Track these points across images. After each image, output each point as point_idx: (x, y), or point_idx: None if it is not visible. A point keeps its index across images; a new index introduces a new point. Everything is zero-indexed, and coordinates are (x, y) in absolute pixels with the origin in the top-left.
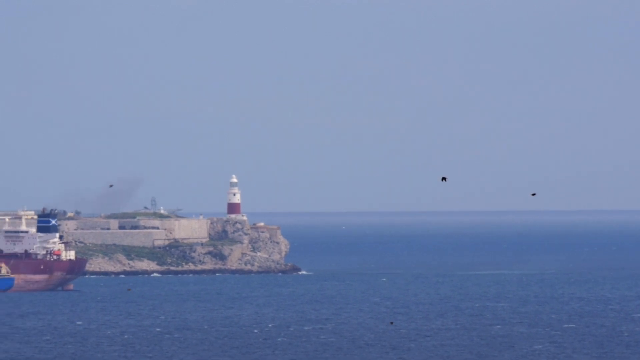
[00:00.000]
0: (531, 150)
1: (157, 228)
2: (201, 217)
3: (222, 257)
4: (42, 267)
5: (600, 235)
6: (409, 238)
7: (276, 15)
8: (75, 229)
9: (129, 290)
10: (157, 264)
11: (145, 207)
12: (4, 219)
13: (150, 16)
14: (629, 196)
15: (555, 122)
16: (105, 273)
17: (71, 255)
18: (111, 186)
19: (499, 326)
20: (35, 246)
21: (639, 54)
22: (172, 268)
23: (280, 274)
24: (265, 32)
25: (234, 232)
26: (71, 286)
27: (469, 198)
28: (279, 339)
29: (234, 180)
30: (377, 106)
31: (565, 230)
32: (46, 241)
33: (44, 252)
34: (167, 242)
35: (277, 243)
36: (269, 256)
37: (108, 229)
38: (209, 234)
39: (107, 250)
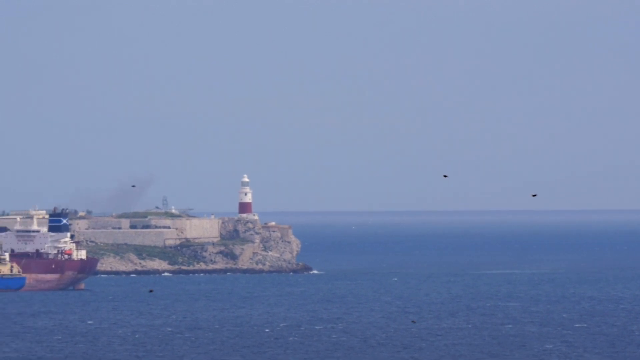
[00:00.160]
0: (534, 150)
1: (169, 227)
2: (212, 216)
3: (233, 257)
4: (53, 266)
5: (611, 234)
6: (420, 237)
7: (289, 15)
8: (86, 229)
9: (151, 291)
10: (169, 264)
11: (157, 207)
12: (16, 218)
13: (161, 16)
14: (634, 195)
15: (556, 122)
16: (117, 272)
17: (82, 254)
18: (134, 186)
19: (510, 325)
20: (46, 246)
21: None
22: (184, 267)
23: (291, 273)
24: (278, 33)
25: (246, 231)
26: (82, 285)
27: (477, 197)
28: (291, 339)
29: (245, 179)
30: (389, 106)
31: (575, 230)
32: (57, 241)
33: (55, 251)
34: (178, 242)
35: (289, 242)
36: (281, 255)
37: (119, 228)
38: (220, 234)
39: (119, 250)
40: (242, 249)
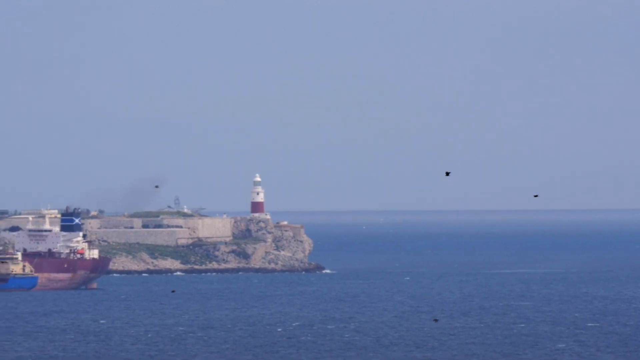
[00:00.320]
0: (536, 150)
1: (181, 227)
2: (225, 215)
3: (245, 256)
4: (65, 265)
5: (622, 234)
6: (432, 237)
7: (302, 15)
8: (98, 228)
9: (173, 291)
10: (181, 263)
11: (169, 206)
12: (28, 218)
13: (175, 15)
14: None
15: (556, 122)
16: (129, 272)
17: (95, 254)
18: (157, 187)
19: (522, 325)
20: (58, 245)
21: None
22: (196, 267)
23: (303, 272)
24: (292, 32)
25: (258, 230)
26: (95, 285)
27: (484, 197)
28: (303, 338)
29: (258, 179)
30: (401, 105)
31: (587, 229)
32: (70, 240)
33: (68, 250)
34: (190, 241)
35: (301, 242)
36: (293, 255)
37: (131, 227)
38: (233, 233)
39: (131, 249)
40: (255, 248)
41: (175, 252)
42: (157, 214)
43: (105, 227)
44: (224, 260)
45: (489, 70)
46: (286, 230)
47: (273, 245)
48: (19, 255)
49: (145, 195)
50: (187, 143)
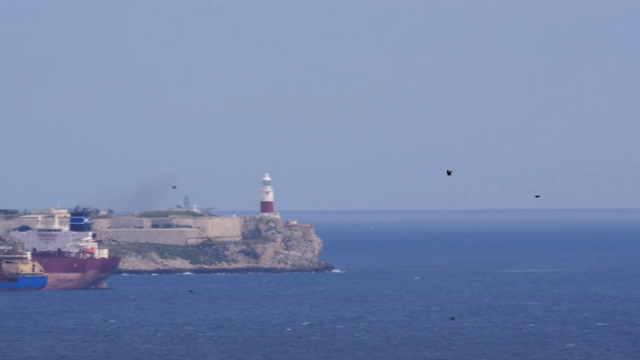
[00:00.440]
0: (543, 149)
1: (190, 227)
2: (234, 215)
3: (255, 256)
4: (75, 265)
5: (632, 233)
6: (441, 236)
7: (312, 16)
8: (108, 228)
9: (191, 291)
10: (190, 263)
11: (178, 206)
12: (37, 217)
13: (184, 14)
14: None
15: (557, 122)
16: (139, 271)
17: (104, 253)
18: (174, 187)
19: (532, 324)
20: (68, 244)
21: None
22: (205, 266)
23: (313, 272)
24: (302, 32)
25: (267, 230)
26: (104, 284)
27: (491, 196)
28: (313, 338)
29: (267, 178)
30: (410, 105)
31: (596, 229)
32: (79, 239)
33: (77, 250)
34: (200, 241)
35: (310, 241)
36: (302, 254)
37: (141, 227)
38: (242, 233)
39: (140, 249)
40: (264, 248)
41: (184, 251)
42: (166, 214)
43: (115, 227)
44: (233, 260)
45: (498, 69)
46: (296, 230)
47: (282, 245)
48: (29, 255)
49: (155, 195)
50: (196, 143)
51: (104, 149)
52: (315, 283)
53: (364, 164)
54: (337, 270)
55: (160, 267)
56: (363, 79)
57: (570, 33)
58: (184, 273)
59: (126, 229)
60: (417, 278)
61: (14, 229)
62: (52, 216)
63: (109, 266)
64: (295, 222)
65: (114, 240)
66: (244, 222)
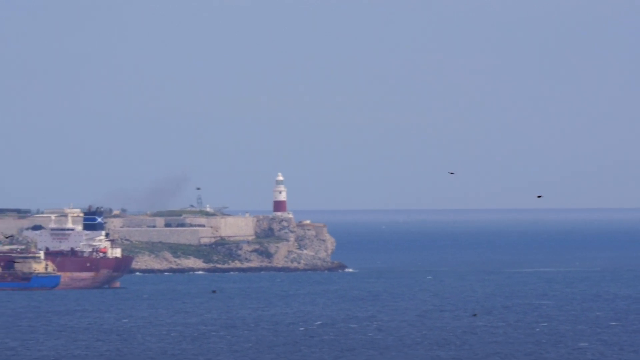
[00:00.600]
0: (541, 149)
1: (203, 226)
2: (247, 214)
3: (268, 255)
4: (88, 264)
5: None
6: (454, 235)
7: (323, 14)
8: (121, 227)
9: (214, 292)
10: (204, 262)
11: (192, 205)
12: (50, 216)
13: (194, 13)
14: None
15: (558, 121)
16: (151, 271)
17: (117, 253)
18: (198, 189)
19: (545, 324)
20: (81, 244)
21: None
22: (219, 266)
23: (326, 271)
24: (312, 32)
25: (280, 229)
26: (117, 284)
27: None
28: (325, 337)
29: (280, 178)
30: (422, 105)
31: (609, 228)
32: (92, 239)
33: (90, 249)
34: (213, 240)
35: (323, 241)
36: (315, 254)
37: (154, 226)
38: (255, 232)
39: (153, 248)
40: (277, 247)
41: (197, 251)
42: (179, 213)
43: (128, 226)
44: (246, 259)
45: (508, 68)
46: (309, 229)
47: (295, 244)
48: (42, 254)
49: (168, 194)
50: (209, 142)
51: (117, 149)
52: (328, 282)
53: (377, 163)
54: (350, 270)
55: (173, 266)
56: (377, 79)
57: (571, 33)
58: (197, 272)
59: (139, 228)
60: (430, 277)
61: (27, 228)
62: (65, 215)
63: (122, 265)
64: (308, 222)
65: (127, 240)
66: (257, 221)
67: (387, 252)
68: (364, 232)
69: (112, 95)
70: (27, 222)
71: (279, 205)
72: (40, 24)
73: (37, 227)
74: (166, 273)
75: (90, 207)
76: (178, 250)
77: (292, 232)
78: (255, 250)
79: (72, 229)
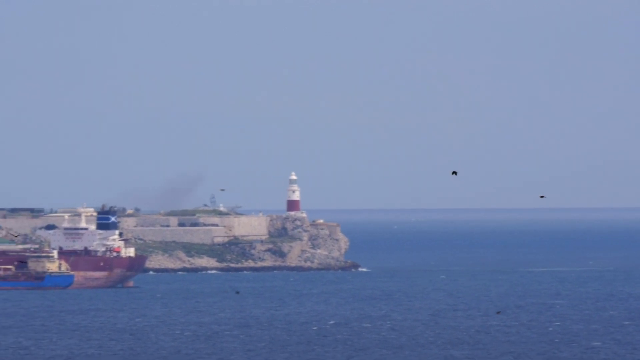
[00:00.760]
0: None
1: (217, 225)
2: (261, 214)
3: (281, 254)
4: (101, 264)
5: None
6: (467, 235)
7: (338, 14)
8: (134, 226)
9: (238, 293)
10: (217, 261)
11: (205, 205)
12: (64, 216)
13: (211, 12)
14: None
15: (558, 121)
16: (165, 270)
17: (131, 252)
18: (223, 190)
19: (558, 323)
20: (94, 243)
21: None
22: (232, 265)
23: (339, 271)
24: (326, 32)
25: (294, 229)
26: (131, 283)
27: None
28: (339, 336)
29: (294, 177)
30: (434, 104)
31: (623, 227)
32: (106, 238)
33: (104, 249)
34: (226, 239)
35: (337, 240)
36: (329, 253)
37: (167, 226)
38: (269, 231)
39: (167, 247)
40: (291, 246)
41: (211, 250)
42: (193, 212)
43: (142, 226)
44: (259, 258)
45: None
46: (322, 229)
47: (309, 243)
48: (55, 254)
49: (182, 194)
50: (223, 141)
51: (131, 148)
52: (342, 282)
53: (390, 162)
54: (364, 269)
55: (187, 265)
56: (391, 79)
57: (571, 33)
58: (210, 272)
59: (153, 228)
60: (443, 277)
61: (40, 228)
62: (79, 215)
63: (136, 265)
64: (321, 221)
65: (140, 239)
66: (271, 220)
67: (401, 252)
68: (376, 231)
69: (127, 95)
70: (40, 222)
71: (292, 205)
72: (55, 23)
73: (50, 227)
74: (180, 272)
75: (103, 206)
76: (191, 249)
77: (305, 231)
78: (269, 250)
79: (86, 229)
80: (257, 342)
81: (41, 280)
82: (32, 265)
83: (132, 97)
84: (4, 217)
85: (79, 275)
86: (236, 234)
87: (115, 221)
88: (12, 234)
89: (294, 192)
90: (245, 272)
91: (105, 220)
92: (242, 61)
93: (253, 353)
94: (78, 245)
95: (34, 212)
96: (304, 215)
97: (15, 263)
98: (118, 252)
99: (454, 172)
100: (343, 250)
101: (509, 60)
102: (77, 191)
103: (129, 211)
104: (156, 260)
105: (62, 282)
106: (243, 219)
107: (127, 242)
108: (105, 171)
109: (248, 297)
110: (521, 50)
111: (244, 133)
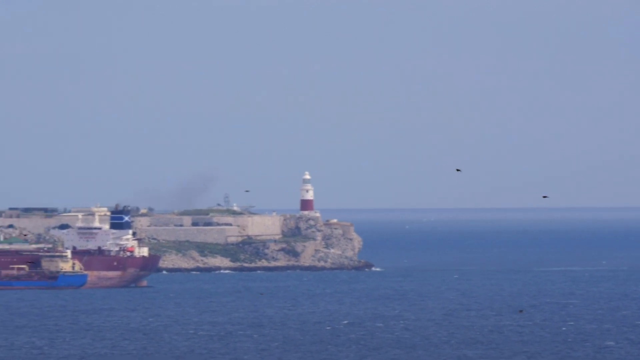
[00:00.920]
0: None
1: (230, 225)
2: (274, 213)
3: (295, 254)
4: (115, 263)
5: None
6: (481, 234)
7: (348, 15)
8: (148, 226)
9: (262, 294)
10: (230, 261)
11: (219, 204)
12: (77, 215)
13: (224, 13)
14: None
15: (558, 121)
16: (179, 269)
17: (144, 251)
18: (247, 191)
19: (571, 323)
20: (108, 243)
21: None
22: (245, 265)
23: (353, 270)
24: (338, 31)
25: (307, 228)
26: (144, 283)
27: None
28: (352, 336)
29: (307, 177)
30: (448, 104)
31: (637, 227)
32: (119, 238)
33: (117, 248)
34: (240, 239)
35: (350, 240)
36: (342, 253)
37: (181, 225)
38: (282, 231)
39: (181, 247)
40: (304, 246)
41: (224, 250)
42: (206, 212)
43: (155, 225)
44: (273, 258)
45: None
46: (336, 228)
47: (322, 243)
48: (69, 253)
49: (195, 193)
50: (236, 141)
51: (145, 148)
52: (355, 281)
53: (402, 162)
54: (377, 269)
55: (200, 265)
56: (403, 78)
57: (571, 33)
58: (224, 271)
59: (166, 227)
60: (457, 276)
61: (54, 227)
62: (92, 214)
63: (149, 264)
64: (335, 221)
65: (154, 239)
66: (284, 220)
67: (414, 251)
68: (389, 231)
69: (142, 95)
70: (54, 221)
71: (306, 204)
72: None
73: (64, 226)
74: (193, 272)
75: (117, 205)
76: (205, 249)
77: (319, 231)
78: (282, 249)
79: (99, 228)
80: (271, 342)
81: (54, 279)
82: (46, 264)
83: (147, 97)
84: (18, 216)
85: (92, 275)
86: (250, 233)
87: (129, 221)
88: (22, 234)
89: (307, 191)
90: (258, 271)
91: (119, 219)
92: (257, 62)
93: (266, 353)
94: (91, 245)
95: (48, 212)
96: (318, 214)
97: (29, 263)
98: (131, 251)
99: (458, 169)
100: (357, 250)
101: (510, 60)
102: (91, 191)
103: (143, 211)
104: (170, 260)
105: (75, 281)
106: (256, 218)
107: (140, 241)
108: (119, 171)
109: (262, 296)
110: (523, 50)
111: (257, 133)
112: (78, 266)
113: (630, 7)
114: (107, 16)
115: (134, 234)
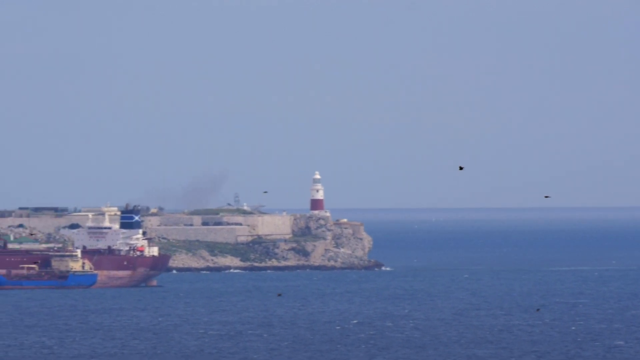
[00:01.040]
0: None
1: (240, 224)
2: (284, 213)
3: (305, 254)
4: (125, 263)
5: None
6: (490, 234)
7: (358, 15)
8: (158, 225)
9: (280, 295)
10: (240, 260)
11: (229, 204)
12: (88, 215)
13: (235, 13)
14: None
15: (558, 121)
16: (189, 269)
17: (154, 251)
18: (265, 192)
19: (581, 322)
20: (118, 242)
21: None
22: (255, 264)
23: (363, 270)
24: (348, 31)
25: (317, 228)
26: (154, 282)
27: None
28: (362, 335)
29: (317, 176)
30: (456, 105)
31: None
32: (129, 237)
33: (127, 248)
34: (250, 239)
35: (360, 239)
36: (352, 252)
37: (191, 225)
38: (292, 230)
39: (191, 247)
40: (314, 245)
41: (234, 249)
42: (216, 212)
43: (165, 225)
44: (283, 257)
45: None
46: (346, 228)
47: (332, 242)
48: (79, 253)
49: (205, 193)
50: (247, 141)
51: (155, 147)
52: (365, 281)
53: (413, 162)
54: (387, 268)
55: (210, 264)
56: (412, 78)
57: (572, 33)
58: (234, 271)
59: (176, 227)
60: (466, 276)
61: (64, 227)
62: (103, 214)
63: (159, 264)
64: (345, 220)
65: (164, 238)
66: (294, 219)
67: (424, 251)
68: (399, 230)
69: (152, 95)
70: (64, 221)
71: (316, 204)
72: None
73: (74, 226)
74: (203, 271)
75: (127, 205)
76: (215, 248)
77: (329, 230)
78: (292, 249)
79: (109, 228)
80: (281, 342)
81: (65, 279)
82: (56, 264)
83: (157, 96)
84: (28, 216)
85: (102, 275)
86: (260, 233)
87: (139, 220)
88: (32, 234)
89: (317, 191)
90: (268, 271)
91: (129, 219)
92: (267, 61)
93: (276, 352)
94: (102, 245)
95: (58, 212)
96: (328, 214)
97: (39, 262)
98: (141, 251)
99: (461, 167)
100: (367, 250)
101: (510, 61)
102: (101, 190)
103: (153, 210)
104: (180, 260)
105: (85, 281)
106: (267, 218)
107: (150, 241)
108: (129, 170)
109: (272, 296)
110: (523, 50)
111: (267, 132)
112: (88, 266)
113: (630, 7)
114: (107, 16)
115: (144, 233)
